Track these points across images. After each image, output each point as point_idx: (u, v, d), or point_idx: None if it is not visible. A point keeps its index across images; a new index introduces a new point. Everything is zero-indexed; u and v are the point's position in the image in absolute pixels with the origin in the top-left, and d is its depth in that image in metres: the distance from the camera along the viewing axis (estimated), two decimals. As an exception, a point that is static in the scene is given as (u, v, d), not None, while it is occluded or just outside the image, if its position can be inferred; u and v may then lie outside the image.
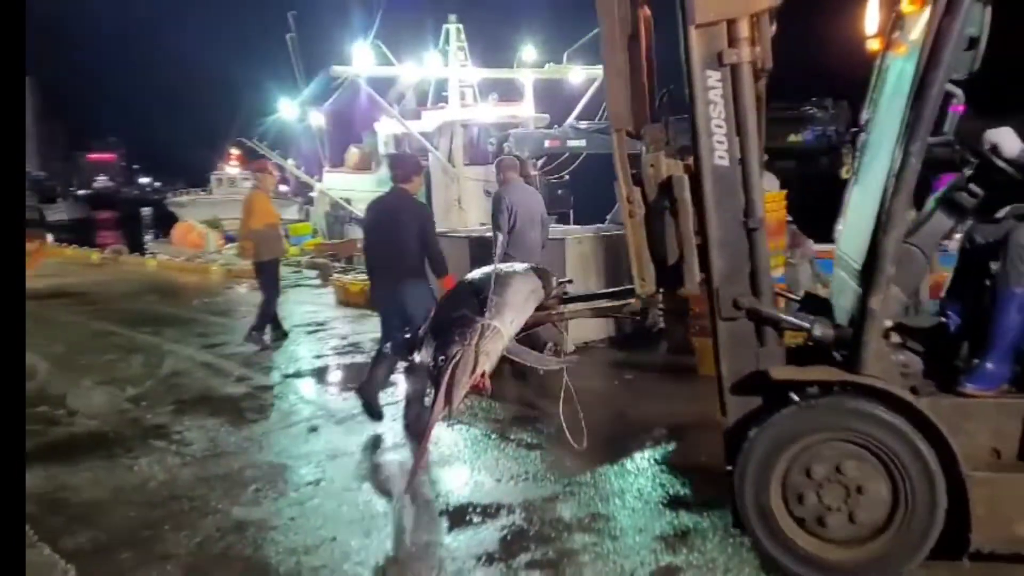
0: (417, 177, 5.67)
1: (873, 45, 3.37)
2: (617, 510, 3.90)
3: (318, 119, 23.36)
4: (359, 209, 19.03)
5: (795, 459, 3.08)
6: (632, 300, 3.60)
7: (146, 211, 65.28)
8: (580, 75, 19.42)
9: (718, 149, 3.11)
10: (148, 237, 34.83)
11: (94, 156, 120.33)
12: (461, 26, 19.22)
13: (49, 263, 15.22)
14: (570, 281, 4.27)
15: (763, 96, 3.44)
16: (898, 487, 2.98)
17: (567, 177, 17.14)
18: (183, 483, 4.46)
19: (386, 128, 19.71)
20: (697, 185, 3.18)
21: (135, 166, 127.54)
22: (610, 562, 3.39)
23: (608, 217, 9.79)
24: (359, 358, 7.58)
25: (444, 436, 5.16)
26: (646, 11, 3.68)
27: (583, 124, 18.12)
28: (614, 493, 4.10)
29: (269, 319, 8.27)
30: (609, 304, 3.92)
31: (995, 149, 3.11)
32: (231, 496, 4.24)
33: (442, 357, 3.26)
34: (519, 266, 3.94)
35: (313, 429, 5.45)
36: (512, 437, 5.05)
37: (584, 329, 7.20)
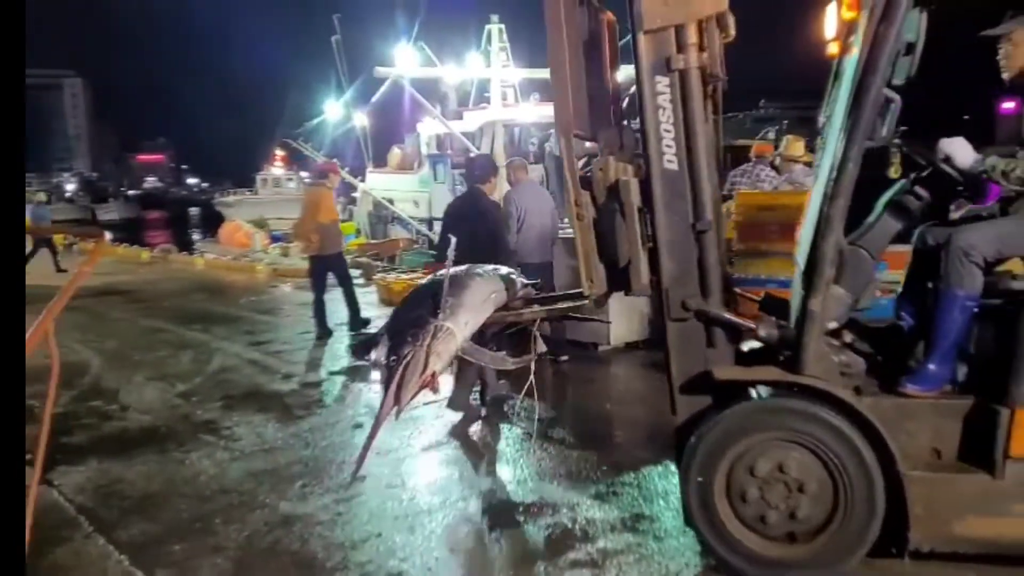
0: (494, 178, 6.00)
1: (832, 49, 3.37)
2: (661, 511, 3.88)
3: (361, 120, 23.62)
4: (401, 209, 19.22)
5: (738, 458, 3.13)
6: (585, 302, 3.65)
7: (194, 211, 66.64)
8: (622, 75, 19.32)
9: (667, 153, 3.18)
10: (196, 236, 35.56)
11: (144, 157, 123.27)
12: (503, 27, 19.27)
13: (102, 261, 15.60)
14: (537, 283, 4.31)
15: (719, 102, 3.55)
16: (838, 486, 3.02)
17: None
18: (232, 478, 4.56)
19: (429, 128, 19.84)
20: (647, 188, 3.23)
21: (183, 167, 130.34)
22: (654, 563, 3.37)
23: None
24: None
25: (488, 436, 5.20)
26: (609, 15, 3.76)
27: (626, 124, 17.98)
28: (658, 494, 4.08)
29: (356, 306, 8.55)
30: (564, 305, 4.00)
31: (948, 160, 3.14)
32: (278, 491, 4.32)
33: (394, 357, 3.32)
34: (481, 268, 3.99)
35: (358, 426, 5.52)
36: (555, 436, 5.05)
37: (626, 330, 7.19)
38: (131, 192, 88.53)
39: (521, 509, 3.99)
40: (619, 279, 3.39)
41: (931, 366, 3.12)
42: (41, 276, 14.18)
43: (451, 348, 3.42)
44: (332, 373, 7.10)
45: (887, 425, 2.96)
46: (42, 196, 23.15)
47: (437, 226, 18.47)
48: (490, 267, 4.09)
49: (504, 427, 5.30)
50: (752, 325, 3.25)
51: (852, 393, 3.05)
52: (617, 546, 3.53)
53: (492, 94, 18.98)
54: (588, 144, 3.67)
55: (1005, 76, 3.27)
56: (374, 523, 3.89)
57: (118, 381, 6.93)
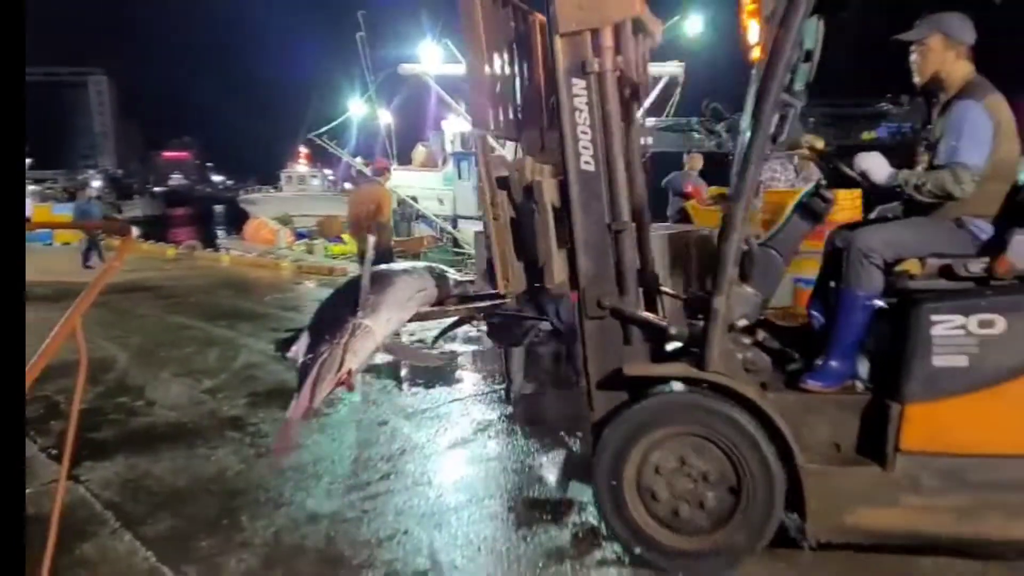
0: None
1: (755, 54, 3.40)
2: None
3: (386, 117, 23.68)
4: (425, 207, 19.26)
5: (647, 452, 3.21)
6: (507, 300, 3.77)
7: (219, 208, 67.20)
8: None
9: (584, 154, 3.23)
10: (221, 233, 35.87)
11: (169, 154, 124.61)
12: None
13: (128, 258, 15.72)
14: (471, 281, 4.32)
15: (640, 103, 3.64)
16: (740, 479, 3.10)
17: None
18: (258, 474, 4.55)
19: (453, 126, 19.85)
20: (565, 189, 3.27)
21: (208, 164, 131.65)
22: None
23: (669, 215, 9.74)
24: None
25: (512, 435, 5.16)
26: (539, 17, 3.81)
27: (650, 121, 18.00)
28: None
29: None
30: (485, 304, 4.13)
31: (864, 175, 3.24)
32: (305, 488, 4.31)
33: (310, 355, 3.32)
34: (411, 265, 3.98)
35: (383, 423, 5.50)
36: (580, 435, 5.00)
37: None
38: (156, 189, 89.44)
39: (548, 507, 3.95)
40: (539, 277, 3.44)
41: (832, 363, 3.23)
42: (66, 273, 14.39)
43: (369, 346, 3.47)
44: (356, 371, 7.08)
45: (790, 420, 3.06)
46: (92, 191, 23.37)
47: (461, 223, 18.50)
48: (421, 264, 4.09)
49: (530, 425, 5.26)
50: (664, 323, 3.33)
51: (756, 389, 3.15)
52: (646, 547, 3.48)
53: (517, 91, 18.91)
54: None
55: (917, 81, 3.33)
56: (400, 521, 3.87)
57: (144, 377, 6.97)
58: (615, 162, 3.22)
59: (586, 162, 3.23)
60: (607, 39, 3.15)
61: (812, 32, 3.20)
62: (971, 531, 2.97)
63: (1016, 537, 2.98)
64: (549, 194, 3.34)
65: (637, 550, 3.26)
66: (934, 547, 3.14)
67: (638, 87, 3.53)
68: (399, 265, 3.98)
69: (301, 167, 46.40)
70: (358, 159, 24.27)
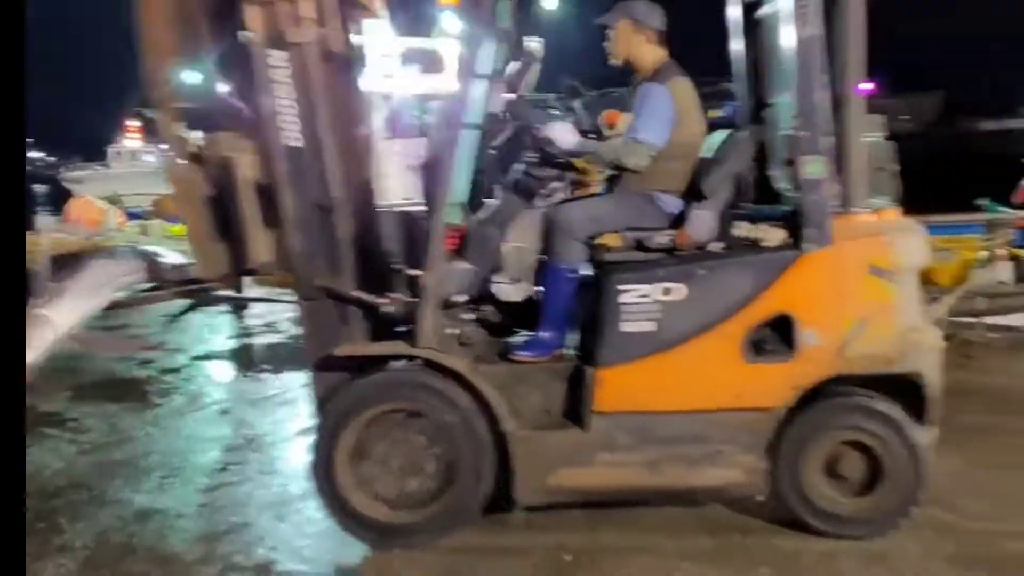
0: None
1: None
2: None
3: (226, 89, 22.47)
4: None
5: (361, 430, 3.20)
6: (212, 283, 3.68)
7: (39, 188, 61.70)
8: None
9: (290, 130, 3.12)
10: (42, 215, 32.98)
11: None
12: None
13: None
14: (192, 264, 4.26)
15: (354, 77, 3.48)
16: (452, 450, 3.16)
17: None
18: (80, 472, 4.18)
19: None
20: (269, 165, 3.18)
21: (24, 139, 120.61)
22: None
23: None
24: (274, 338, 7.34)
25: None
26: None
27: (509, 97, 17.97)
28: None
29: None
30: (197, 287, 4.00)
31: (551, 143, 3.41)
32: (133, 484, 4.00)
33: None
34: (115, 251, 3.87)
35: (224, 412, 5.22)
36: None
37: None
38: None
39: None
40: (240, 257, 3.31)
41: (541, 334, 3.33)
42: None
43: (48, 337, 3.24)
44: (195, 358, 6.69)
45: (503, 390, 3.15)
46: None
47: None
48: (127, 249, 3.94)
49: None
50: (379, 300, 3.27)
51: (466, 363, 3.19)
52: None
53: (369, 64, 18.46)
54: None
55: (611, 62, 3.53)
56: (241, 513, 3.67)
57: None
58: (324, 137, 3.11)
59: (295, 138, 3.11)
60: (306, 10, 3.01)
61: (505, 13, 3.27)
62: (657, 482, 3.18)
63: (694, 485, 3.21)
64: (248, 170, 3.17)
65: (354, 528, 3.25)
66: (631, 501, 3.35)
67: (350, 60, 3.33)
68: (100, 252, 3.72)
69: (132, 142, 43.34)
70: (198, 134, 22.91)
